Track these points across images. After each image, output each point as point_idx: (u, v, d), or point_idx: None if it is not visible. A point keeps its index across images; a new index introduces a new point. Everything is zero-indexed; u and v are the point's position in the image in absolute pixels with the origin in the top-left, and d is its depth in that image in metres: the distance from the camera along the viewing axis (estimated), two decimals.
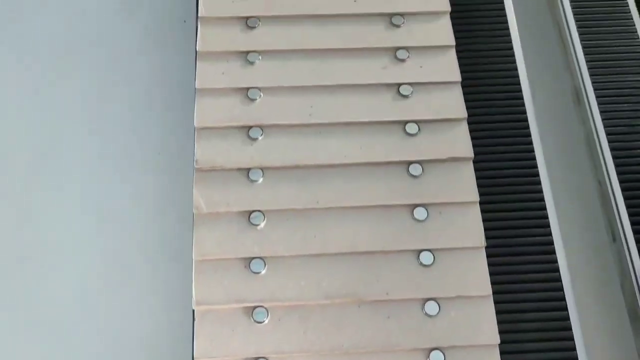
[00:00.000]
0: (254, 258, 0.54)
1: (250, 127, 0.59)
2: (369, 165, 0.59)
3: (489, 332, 0.53)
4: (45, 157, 0.73)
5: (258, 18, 0.64)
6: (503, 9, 0.75)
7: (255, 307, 0.53)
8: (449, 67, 0.63)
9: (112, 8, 0.82)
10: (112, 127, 0.76)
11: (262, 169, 0.58)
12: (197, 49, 0.63)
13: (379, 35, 0.65)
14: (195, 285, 0.53)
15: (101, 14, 0.82)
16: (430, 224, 0.56)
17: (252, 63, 0.62)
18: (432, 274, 0.54)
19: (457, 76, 0.63)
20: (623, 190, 0.63)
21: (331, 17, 0.65)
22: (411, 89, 0.62)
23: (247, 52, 0.63)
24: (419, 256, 0.56)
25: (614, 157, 0.65)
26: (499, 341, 0.53)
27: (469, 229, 0.56)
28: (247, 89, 0.61)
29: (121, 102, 0.77)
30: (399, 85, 0.62)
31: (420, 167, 0.58)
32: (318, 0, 0.66)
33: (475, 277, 0.54)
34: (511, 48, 0.72)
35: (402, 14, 0.65)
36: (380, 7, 0.66)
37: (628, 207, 0.62)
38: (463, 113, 0.61)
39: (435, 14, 0.66)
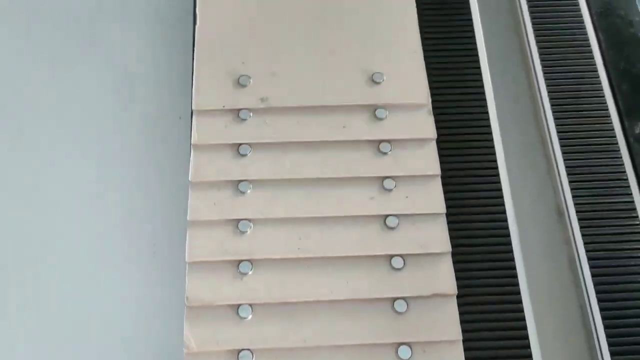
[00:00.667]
0: None
1: (240, 262, 0.61)
2: (355, 302, 0.60)
3: None
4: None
5: (249, 145, 0.66)
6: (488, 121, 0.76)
7: None
8: (434, 198, 0.65)
9: (106, 102, 0.84)
10: (104, 222, 0.77)
11: (251, 305, 0.60)
12: (190, 179, 0.65)
13: (367, 163, 0.66)
14: None
15: (95, 108, 0.84)
16: None
17: (243, 193, 0.64)
18: None
19: (442, 207, 0.64)
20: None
21: (321, 143, 0.67)
22: (397, 221, 0.63)
23: (239, 182, 0.65)
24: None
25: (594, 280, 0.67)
26: None
27: None
28: (238, 220, 0.63)
29: (113, 197, 0.78)
30: (386, 216, 0.64)
31: (405, 303, 0.60)
32: (308, 127, 0.68)
33: None
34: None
35: (389, 141, 0.67)
36: (368, 134, 0.67)
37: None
38: (447, 247, 0.63)
39: (422, 140, 0.68)
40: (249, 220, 0.63)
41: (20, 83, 0.83)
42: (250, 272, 0.61)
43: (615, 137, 0.75)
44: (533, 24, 0.84)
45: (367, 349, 0.59)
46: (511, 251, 0.69)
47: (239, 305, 0.60)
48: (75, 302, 0.71)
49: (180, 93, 0.81)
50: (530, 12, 0.83)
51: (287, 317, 0.59)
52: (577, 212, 0.71)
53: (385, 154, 0.67)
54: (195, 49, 0.72)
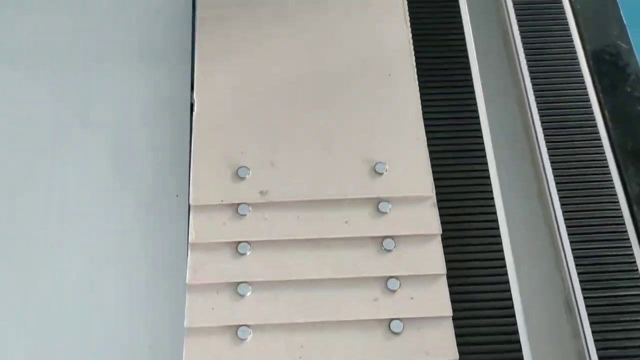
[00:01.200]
0: None
1: None
2: None
3: None
4: None
5: (248, 243, 0.64)
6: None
7: None
8: (440, 300, 0.63)
9: (104, 179, 0.82)
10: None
11: None
12: (187, 282, 0.63)
13: (370, 262, 0.64)
14: None
15: (93, 183, 0.82)
16: None
17: (242, 296, 0.62)
18: None
19: (448, 311, 0.62)
20: None
21: (322, 241, 0.65)
22: (402, 325, 0.61)
23: (238, 284, 0.63)
24: None
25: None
26: None
27: None
28: (237, 327, 0.61)
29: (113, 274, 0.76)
30: (390, 320, 0.62)
31: None
32: (309, 223, 0.66)
33: None
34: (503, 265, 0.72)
35: (392, 237, 0.65)
36: (370, 230, 0.65)
37: None
38: (455, 355, 0.60)
39: (427, 236, 0.66)
40: (248, 326, 0.61)
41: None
42: None
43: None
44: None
45: None
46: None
47: None
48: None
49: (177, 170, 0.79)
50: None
51: None
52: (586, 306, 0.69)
53: (389, 251, 0.64)
54: (192, 138, 0.70)
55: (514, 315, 0.68)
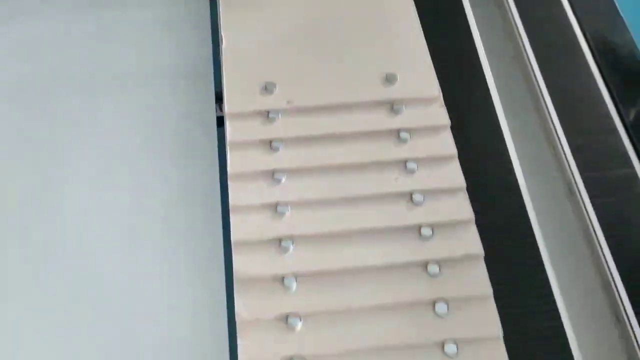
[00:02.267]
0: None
1: (281, 240, 0.66)
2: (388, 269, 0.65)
3: None
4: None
5: (281, 139, 0.72)
6: None
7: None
8: (455, 174, 0.71)
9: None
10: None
11: (295, 277, 0.64)
12: (229, 172, 0.70)
13: (389, 150, 0.72)
14: None
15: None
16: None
17: (279, 181, 0.70)
18: None
19: (462, 182, 0.70)
20: None
21: (345, 135, 0.73)
22: (422, 197, 0.69)
23: (274, 171, 0.70)
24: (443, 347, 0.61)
25: None
26: None
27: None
28: (276, 204, 0.68)
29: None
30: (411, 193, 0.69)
31: (437, 266, 0.65)
32: (333, 121, 0.74)
33: None
34: None
35: (408, 130, 0.73)
36: (388, 124, 0.74)
37: None
38: (470, 215, 0.68)
39: (438, 127, 0.74)
40: (287, 203, 0.68)
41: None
42: (291, 248, 0.66)
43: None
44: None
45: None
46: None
47: (283, 277, 0.64)
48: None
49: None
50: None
51: (330, 284, 0.64)
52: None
53: (404, 141, 0.73)
54: (223, 66, 0.79)
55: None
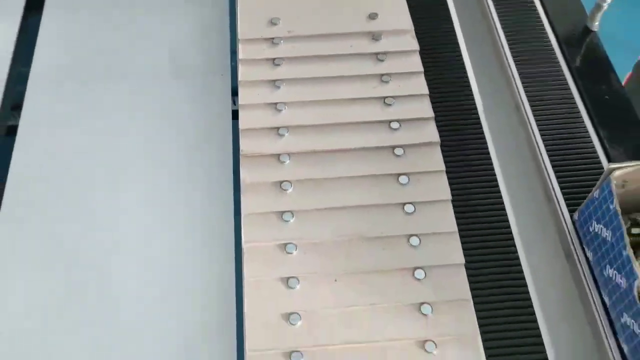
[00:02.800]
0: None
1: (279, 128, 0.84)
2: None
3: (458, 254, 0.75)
4: None
5: (282, 58, 0.91)
6: None
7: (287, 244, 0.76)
8: (420, 84, 0.89)
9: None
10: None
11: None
12: (239, 80, 0.89)
13: (370, 67, 0.90)
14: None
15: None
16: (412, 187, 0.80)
17: (278, 87, 0.88)
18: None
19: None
20: None
21: (335, 56, 0.92)
22: (394, 101, 0.87)
23: (275, 81, 0.89)
24: (403, 207, 0.79)
25: None
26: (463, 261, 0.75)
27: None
28: (276, 104, 0.87)
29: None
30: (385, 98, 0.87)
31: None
32: (325, 45, 0.92)
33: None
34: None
35: (385, 53, 0.92)
36: (369, 49, 0.92)
37: None
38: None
39: (410, 51, 0.92)
40: (285, 103, 0.86)
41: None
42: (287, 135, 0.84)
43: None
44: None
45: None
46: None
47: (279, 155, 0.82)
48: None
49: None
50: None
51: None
52: None
53: (382, 60, 0.91)
54: (238, 5, 0.97)
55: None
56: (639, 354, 0.69)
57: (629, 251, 0.69)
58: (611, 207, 0.72)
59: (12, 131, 0.96)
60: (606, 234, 0.74)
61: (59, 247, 0.85)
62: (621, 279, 0.71)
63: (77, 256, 0.84)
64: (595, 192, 0.76)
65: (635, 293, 0.68)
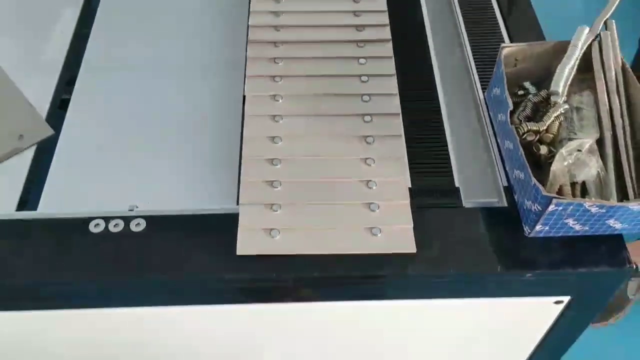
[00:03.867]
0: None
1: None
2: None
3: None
4: None
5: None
6: None
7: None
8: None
9: None
10: None
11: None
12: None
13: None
14: None
15: None
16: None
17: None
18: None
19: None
20: None
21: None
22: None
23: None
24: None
25: None
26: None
27: None
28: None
29: None
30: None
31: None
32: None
33: None
34: None
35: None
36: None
37: None
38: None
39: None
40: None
41: None
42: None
43: None
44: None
45: None
46: None
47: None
48: None
49: None
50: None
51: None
52: None
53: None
54: None
55: None
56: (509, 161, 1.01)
57: (506, 94, 1.01)
58: (500, 71, 1.05)
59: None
60: (498, 92, 1.06)
61: None
62: (502, 116, 1.03)
63: None
64: (495, 67, 1.09)
65: (508, 119, 1.00)
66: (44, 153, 1.11)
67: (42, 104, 1.17)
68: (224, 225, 0.96)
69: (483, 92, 1.16)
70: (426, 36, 1.29)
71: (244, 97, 1.10)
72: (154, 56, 1.27)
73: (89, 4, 1.37)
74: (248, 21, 1.20)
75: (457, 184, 1.04)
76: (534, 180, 0.88)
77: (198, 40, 1.30)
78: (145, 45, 1.29)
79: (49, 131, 1.13)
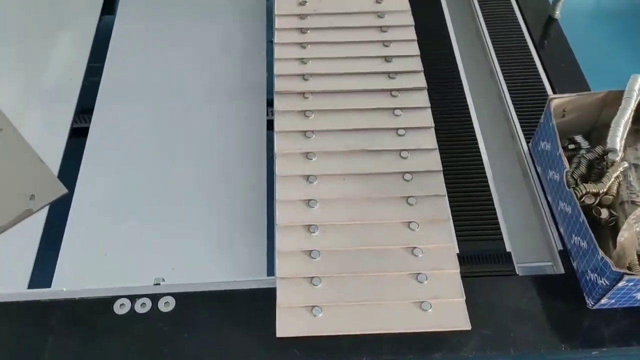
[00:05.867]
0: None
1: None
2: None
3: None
4: None
5: (309, 29, 1.18)
6: None
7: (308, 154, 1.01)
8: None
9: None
10: None
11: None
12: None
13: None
14: None
15: None
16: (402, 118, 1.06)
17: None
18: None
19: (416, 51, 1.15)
20: None
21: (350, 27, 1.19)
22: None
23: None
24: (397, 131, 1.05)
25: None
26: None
27: None
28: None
29: None
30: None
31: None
32: (341, 18, 1.20)
33: None
34: None
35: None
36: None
37: None
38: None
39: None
40: (309, 58, 1.13)
41: None
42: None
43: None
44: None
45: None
46: None
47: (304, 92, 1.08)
48: None
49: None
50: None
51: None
52: None
53: (386, 31, 1.18)
54: None
55: None
56: (565, 224, 0.93)
57: (561, 151, 0.94)
58: (550, 124, 0.97)
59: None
60: (548, 146, 0.99)
61: None
62: (556, 175, 0.96)
63: None
64: (542, 118, 1.01)
65: (564, 180, 0.93)
66: (57, 214, 1.02)
67: (54, 159, 1.08)
68: (259, 301, 0.89)
69: (527, 142, 1.08)
70: (462, 83, 1.21)
71: (273, 153, 1.02)
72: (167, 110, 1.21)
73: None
74: (274, 70, 1.12)
75: (507, 248, 0.96)
76: (601, 253, 0.81)
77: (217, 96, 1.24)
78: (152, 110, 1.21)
79: (62, 190, 1.03)
